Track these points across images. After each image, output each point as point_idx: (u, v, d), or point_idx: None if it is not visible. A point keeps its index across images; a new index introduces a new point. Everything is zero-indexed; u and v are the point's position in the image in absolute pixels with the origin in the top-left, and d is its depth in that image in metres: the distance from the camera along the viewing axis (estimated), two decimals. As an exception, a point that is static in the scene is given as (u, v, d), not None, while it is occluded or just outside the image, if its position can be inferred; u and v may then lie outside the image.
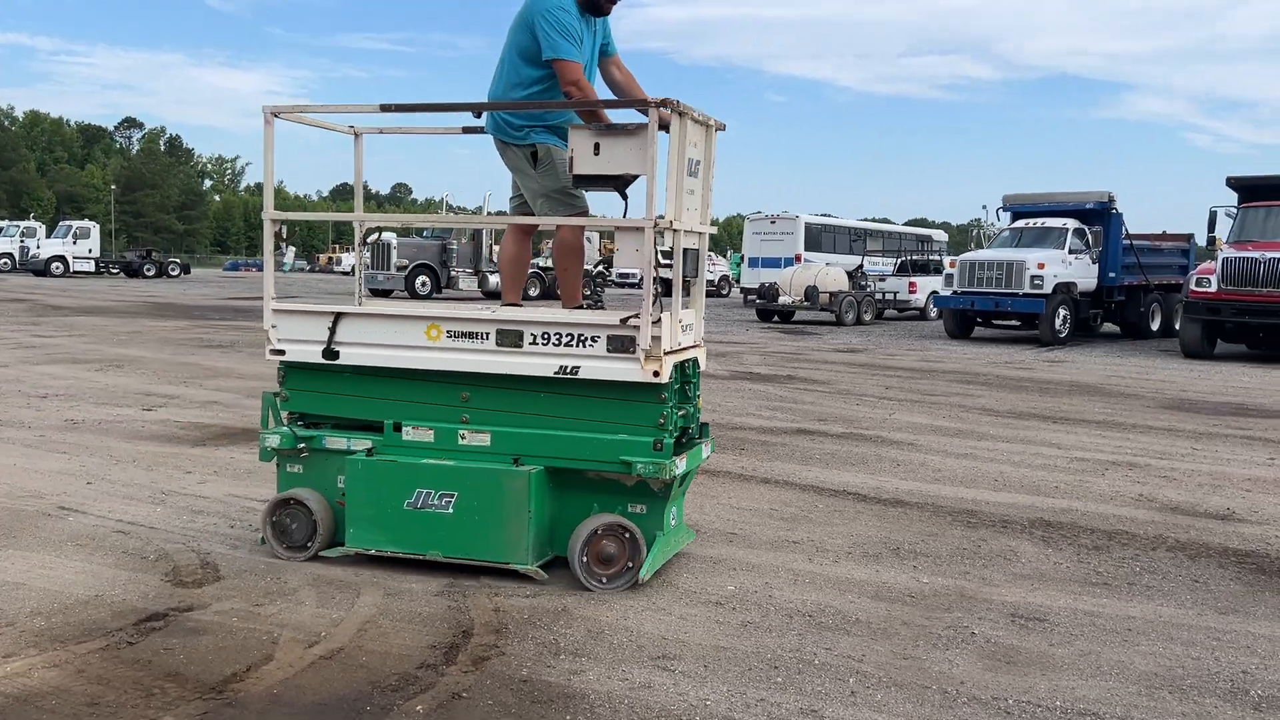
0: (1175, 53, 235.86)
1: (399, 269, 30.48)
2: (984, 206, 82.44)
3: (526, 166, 4.61)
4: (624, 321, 3.92)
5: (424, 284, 30.82)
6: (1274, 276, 15.59)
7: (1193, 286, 16.79)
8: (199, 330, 16.35)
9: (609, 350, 3.96)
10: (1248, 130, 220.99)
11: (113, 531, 4.62)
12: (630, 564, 3.99)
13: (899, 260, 29.23)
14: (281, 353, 4.28)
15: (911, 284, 27.08)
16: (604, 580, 3.99)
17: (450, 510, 4.03)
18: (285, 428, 4.30)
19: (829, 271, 24.50)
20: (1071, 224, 19.52)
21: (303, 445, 4.26)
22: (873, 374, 12.63)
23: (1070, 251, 19.21)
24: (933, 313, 24.79)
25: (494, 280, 31.67)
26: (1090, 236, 19.61)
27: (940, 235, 39.37)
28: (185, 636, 3.42)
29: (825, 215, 36.26)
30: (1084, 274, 19.51)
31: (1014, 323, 20.13)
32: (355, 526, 4.13)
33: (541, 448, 4.07)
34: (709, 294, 41.41)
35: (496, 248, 34.25)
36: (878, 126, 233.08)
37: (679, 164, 3.95)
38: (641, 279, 4.00)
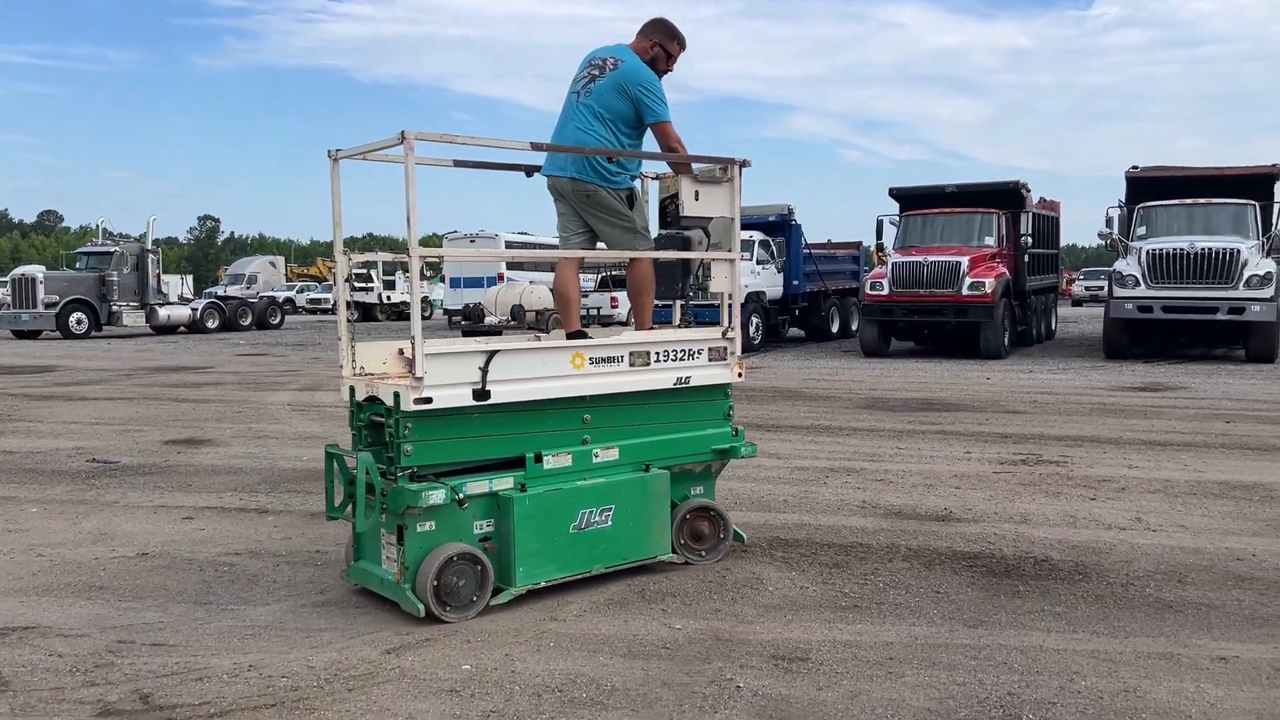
0: (824, 78, 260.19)
1: (48, 306, 26.79)
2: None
3: (623, 207, 5.00)
4: (724, 334, 4.82)
5: (80, 321, 27.29)
6: (934, 278, 17.09)
7: (868, 290, 18.09)
8: None
9: (710, 360, 4.79)
10: (890, 147, 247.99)
11: None
12: (722, 536, 4.80)
13: (600, 275, 29.54)
14: (428, 400, 3.94)
15: (613, 299, 27.41)
16: (703, 554, 4.76)
17: (609, 523, 4.37)
18: (438, 482, 3.99)
19: (534, 289, 24.29)
20: (757, 236, 20.47)
21: (461, 496, 4.02)
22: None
23: (758, 262, 20.13)
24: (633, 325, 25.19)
25: (164, 313, 28.71)
26: (774, 247, 20.69)
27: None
28: None
29: (524, 233, 36.02)
30: (771, 283, 20.55)
31: (712, 332, 20.80)
32: (525, 564, 4.14)
33: (660, 451, 4.64)
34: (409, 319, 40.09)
35: (166, 277, 31.17)
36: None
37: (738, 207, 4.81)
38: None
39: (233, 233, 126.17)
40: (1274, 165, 16.97)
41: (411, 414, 3.93)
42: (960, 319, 17.04)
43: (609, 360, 4.49)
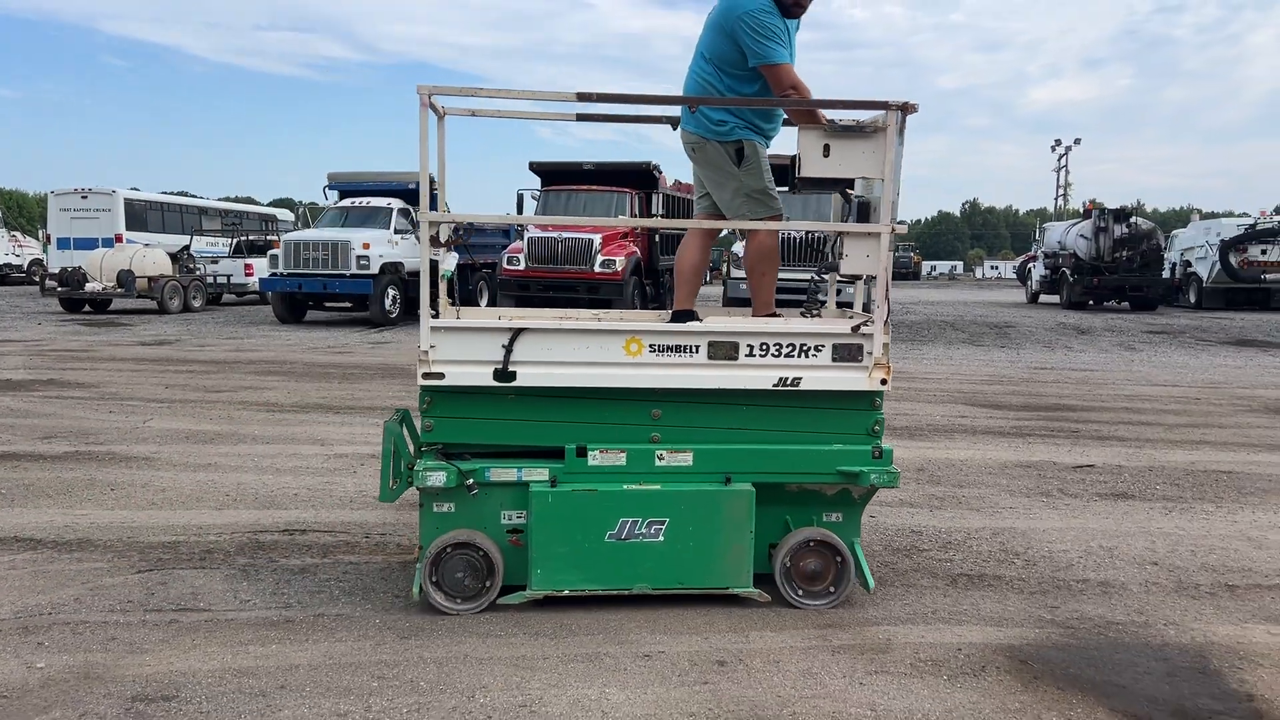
0: (517, 51, 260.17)
1: None
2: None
3: (729, 164, 4.41)
4: (855, 330, 3.86)
5: None
6: (568, 254, 17.13)
7: (505, 265, 17.83)
8: None
9: (834, 359, 3.87)
10: (581, 127, 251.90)
11: None
12: (840, 574, 3.92)
13: (234, 241, 27.26)
14: (440, 376, 3.73)
15: (248, 266, 25.33)
16: (825, 596, 3.92)
17: (661, 539, 3.79)
18: (446, 463, 3.76)
19: (147, 253, 21.81)
20: (397, 203, 19.59)
21: (471, 482, 3.76)
22: (164, 370, 11.09)
23: (396, 231, 19.25)
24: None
25: None
26: (416, 216, 19.91)
27: (287, 215, 37.79)
28: None
29: (182, 193, 32.53)
30: (411, 253, 19.71)
31: (347, 304, 19.72)
32: (544, 567, 3.76)
33: (752, 464, 3.89)
34: (16, 283, 34.98)
35: None
36: (240, 99, 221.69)
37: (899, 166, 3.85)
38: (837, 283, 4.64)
39: None
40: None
41: (430, 389, 3.77)
42: (593, 295, 17.22)
43: (677, 350, 3.83)
